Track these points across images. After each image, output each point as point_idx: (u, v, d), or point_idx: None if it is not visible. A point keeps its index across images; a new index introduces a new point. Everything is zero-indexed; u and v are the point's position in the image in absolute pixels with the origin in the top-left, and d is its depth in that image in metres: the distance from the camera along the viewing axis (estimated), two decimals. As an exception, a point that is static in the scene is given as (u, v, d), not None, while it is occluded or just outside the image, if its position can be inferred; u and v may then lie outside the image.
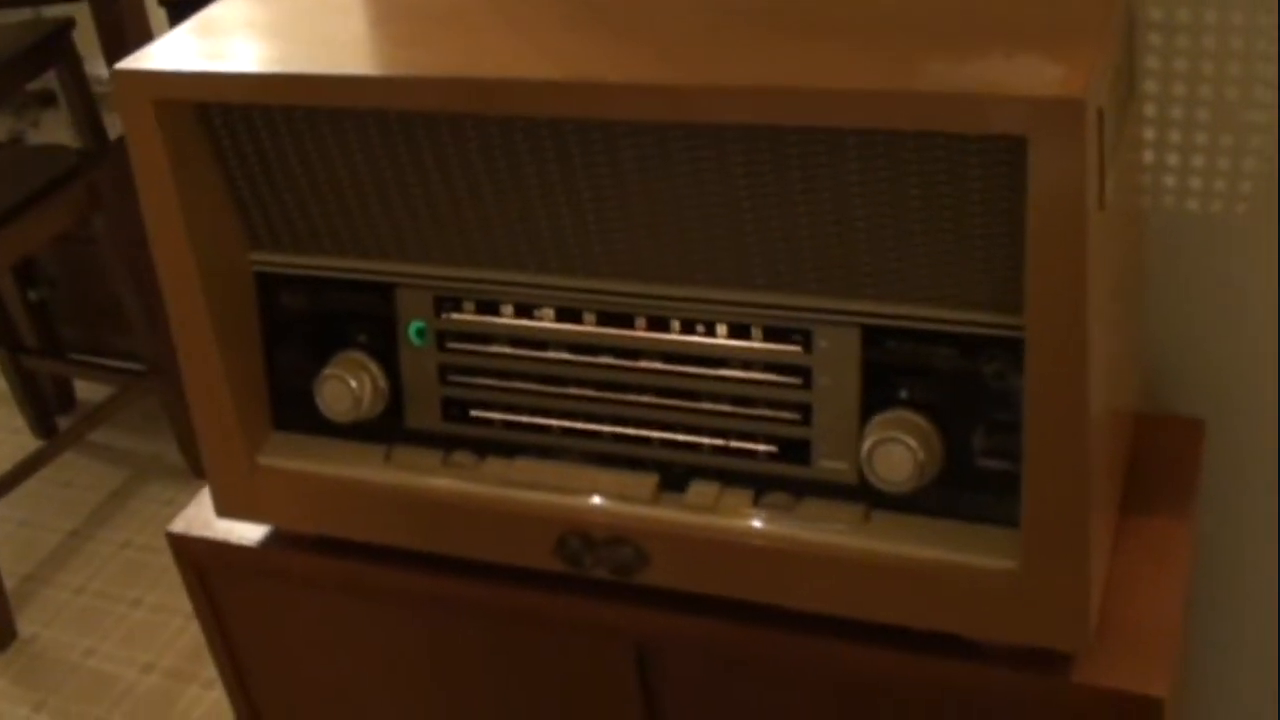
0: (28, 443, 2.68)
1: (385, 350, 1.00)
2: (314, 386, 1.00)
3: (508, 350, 0.97)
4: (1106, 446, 0.91)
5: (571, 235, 0.92)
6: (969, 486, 0.88)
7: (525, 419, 0.98)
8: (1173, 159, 1.12)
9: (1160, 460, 1.09)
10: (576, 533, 0.96)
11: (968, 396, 0.87)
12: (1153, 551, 1.01)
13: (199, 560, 1.12)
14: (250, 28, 0.98)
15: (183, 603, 2.28)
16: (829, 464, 0.91)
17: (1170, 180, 1.12)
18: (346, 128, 0.93)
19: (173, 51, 0.95)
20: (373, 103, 0.89)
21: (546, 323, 0.95)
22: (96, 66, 3.02)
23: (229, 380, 1.02)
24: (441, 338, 0.99)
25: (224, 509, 1.07)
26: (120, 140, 2.65)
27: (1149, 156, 1.12)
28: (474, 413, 0.99)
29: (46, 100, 3.72)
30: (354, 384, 0.99)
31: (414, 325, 0.99)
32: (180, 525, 1.13)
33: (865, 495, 0.91)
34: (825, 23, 0.87)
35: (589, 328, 0.94)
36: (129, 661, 2.19)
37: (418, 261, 0.98)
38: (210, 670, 2.14)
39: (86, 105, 2.80)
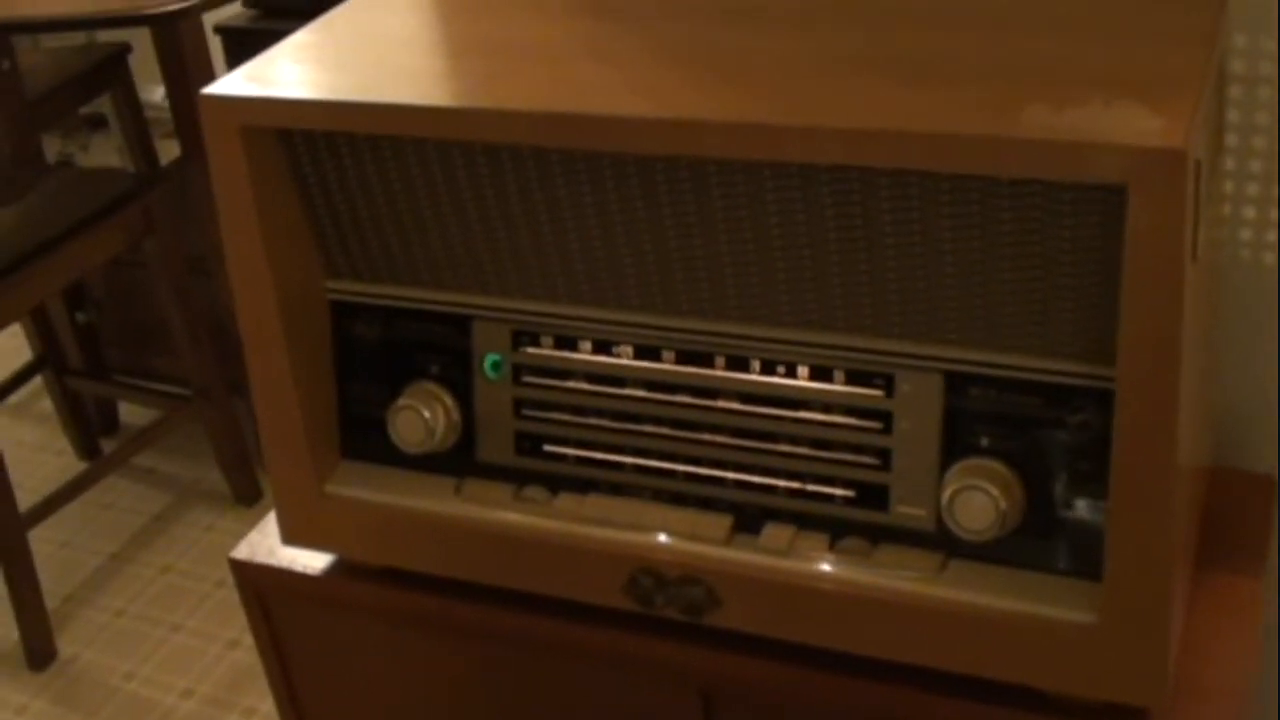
0: (71, 464, 2.69)
1: (459, 382, 1.00)
2: (387, 416, 1.00)
3: (584, 386, 0.97)
4: (1187, 501, 0.90)
5: (654, 272, 0.91)
6: (1048, 537, 0.88)
7: (599, 455, 0.98)
8: (1249, 212, 1.11)
9: (1232, 516, 1.08)
10: (648, 571, 0.95)
11: (1050, 446, 0.86)
12: (1225, 609, 1.00)
13: (260, 587, 1.12)
14: (332, 57, 0.98)
15: (223, 630, 2.28)
16: (907, 510, 0.91)
17: (1247, 234, 1.12)
18: (430, 158, 0.93)
19: (256, 78, 0.95)
20: (458, 134, 0.89)
21: (624, 359, 0.95)
22: (148, 91, 3.04)
23: (301, 408, 1.02)
24: (517, 371, 0.98)
25: (290, 537, 1.07)
26: (171, 165, 2.67)
27: (1226, 209, 1.11)
28: (547, 448, 0.99)
29: (96, 124, 3.75)
30: (428, 415, 0.99)
31: (490, 358, 0.99)
32: (243, 551, 1.12)
33: (942, 543, 0.90)
34: (920, 68, 0.87)
35: (667, 365, 0.94)
36: (168, 687, 2.19)
37: (496, 294, 0.97)
38: (249, 699, 2.14)
39: (139, 130, 2.83)
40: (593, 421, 0.97)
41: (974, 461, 0.87)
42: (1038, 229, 0.81)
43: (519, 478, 1.00)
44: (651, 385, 0.95)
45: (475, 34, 1.00)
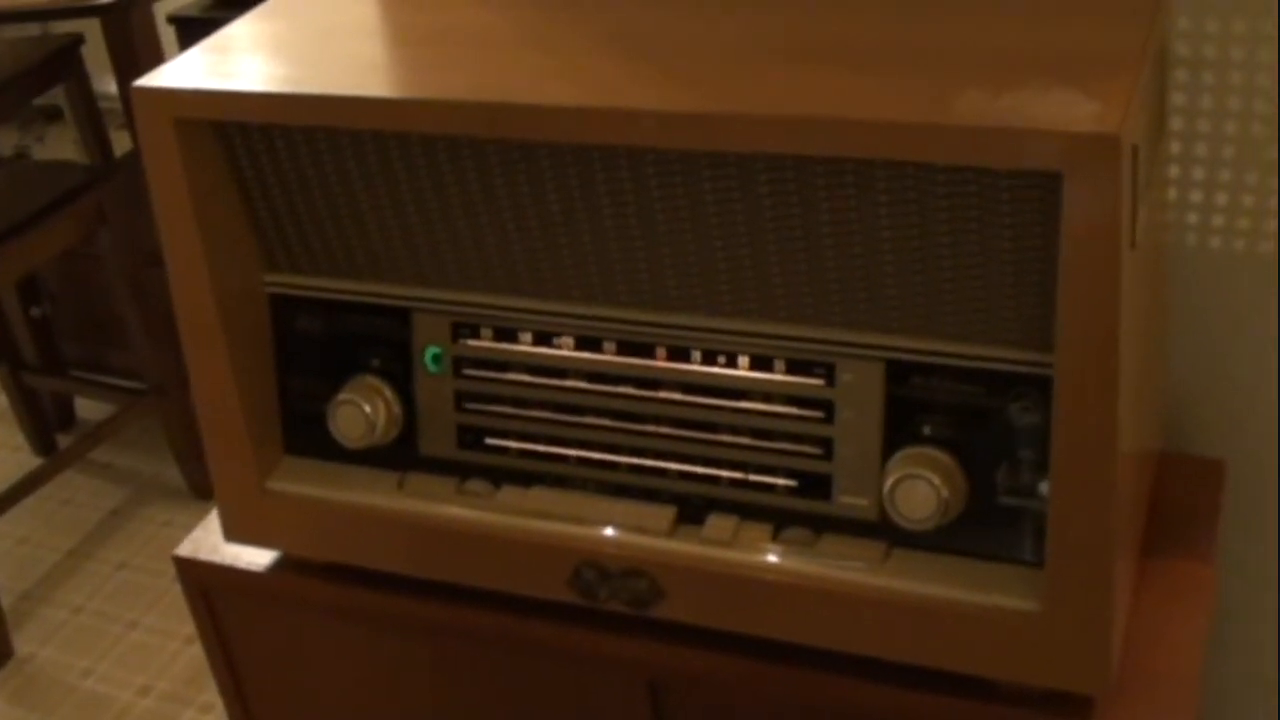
0: (27, 460, 2.67)
1: (400, 376, 0.99)
2: (327, 411, 0.99)
3: (525, 378, 0.96)
4: (1131, 487, 0.90)
5: (593, 263, 0.91)
6: (991, 525, 0.87)
7: (542, 448, 0.97)
8: (1196, 196, 1.11)
9: (1181, 501, 1.08)
10: (592, 564, 0.94)
11: (992, 434, 0.86)
12: (1174, 594, 0.99)
13: (205, 584, 1.11)
14: (270, 47, 0.97)
15: (180, 626, 2.26)
16: (850, 500, 0.90)
17: (1193, 217, 1.12)
18: (367, 150, 0.92)
19: (192, 69, 0.94)
20: (396, 125, 0.88)
21: (565, 351, 0.94)
22: (102, 83, 3.02)
23: (241, 403, 1.00)
24: (458, 364, 0.97)
25: (232, 533, 1.06)
26: (126, 157, 2.64)
27: (1172, 193, 1.11)
28: (490, 441, 0.98)
29: (52, 116, 3.71)
30: (368, 409, 0.98)
31: (430, 351, 0.98)
32: (187, 548, 1.11)
33: (885, 532, 0.89)
34: (855, 55, 0.86)
35: (609, 357, 0.93)
36: (125, 683, 2.17)
37: (436, 286, 0.96)
38: (207, 694, 2.13)
39: (93, 122, 2.80)
40: (535, 414, 0.96)
41: (916, 450, 0.87)
42: (975, 217, 0.80)
43: (461, 471, 0.99)
44: (593, 377, 0.94)
45: (416, 22, 0.99)
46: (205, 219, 0.96)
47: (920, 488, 0.85)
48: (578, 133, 0.84)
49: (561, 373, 0.95)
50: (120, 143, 2.87)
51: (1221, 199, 1.10)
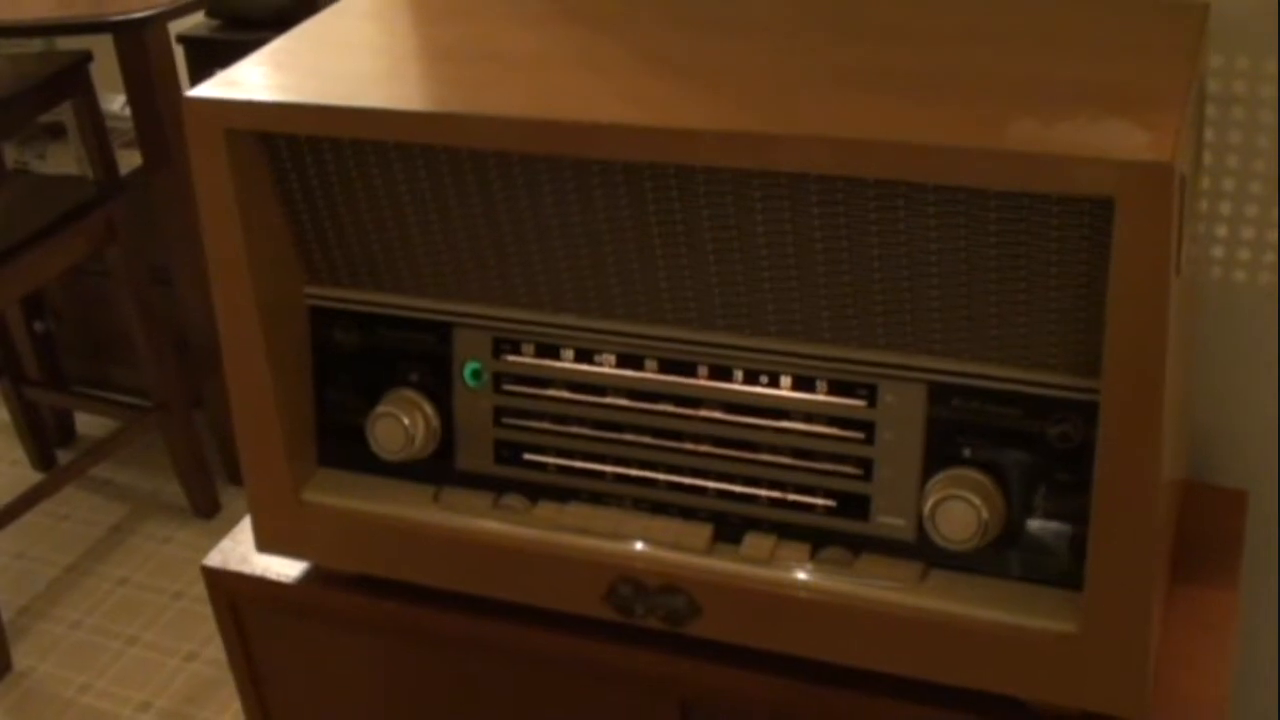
0: (26, 474, 2.66)
1: (439, 390, 1.00)
2: (366, 423, 1.00)
3: (565, 395, 0.97)
4: (1166, 513, 0.91)
5: (639, 281, 0.92)
6: (1029, 548, 0.88)
7: (580, 464, 0.97)
8: (1221, 230, 1.12)
9: (1204, 530, 1.09)
10: (628, 580, 0.95)
11: (1032, 457, 0.87)
12: (1201, 621, 1.00)
13: (233, 595, 1.11)
14: (316, 62, 0.98)
15: (180, 642, 2.26)
16: (888, 520, 0.91)
17: (1218, 251, 1.13)
18: (417, 164, 0.93)
19: (242, 81, 0.95)
20: (450, 141, 0.89)
21: (607, 368, 0.95)
22: (106, 100, 3.02)
23: (278, 414, 1.01)
24: (498, 379, 0.98)
25: (265, 544, 1.06)
26: (134, 173, 2.65)
27: (1201, 228, 1.12)
28: (527, 456, 0.99)
29: (54, 132, 3.72)
30: (407, 422, 0.98)
31: (470, 366, 0.99)
32: (216, 559, 1.11)
33: (923, 553, 0.90)
34: (909, 80, 0.87)
35: (650, 374, 0.94)
36: (124, 700, 2.17)
37: (478, 302, 0.97)
38: (207, 712, 2.12)
39: (100, 139, 2.80)
40: (573, 430, 0.97)
41: (956, 472, 0.88)
42: (1023, 241, 0.82)
43: (498, 486, 1.00)
44: (633, 394, 0.95)
45: (455, 41, 1.00)
46: (251, 229, 0.96)
47: (962, 509, 0.86)
48: (632, 151, 0.85)
49: (602, 390, 0.96)
50: (123, 161, 2.88)
51: (1248, 233, 1.12)
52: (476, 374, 0.99)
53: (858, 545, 0.92)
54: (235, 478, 2.57)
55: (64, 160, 3.54)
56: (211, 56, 2.76)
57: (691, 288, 0.91)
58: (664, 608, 0.95)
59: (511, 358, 0.98)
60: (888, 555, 0.91)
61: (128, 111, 2.57)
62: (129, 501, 2.62)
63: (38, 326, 2.66)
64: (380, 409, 0.99)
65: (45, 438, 2.73)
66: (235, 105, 0.93)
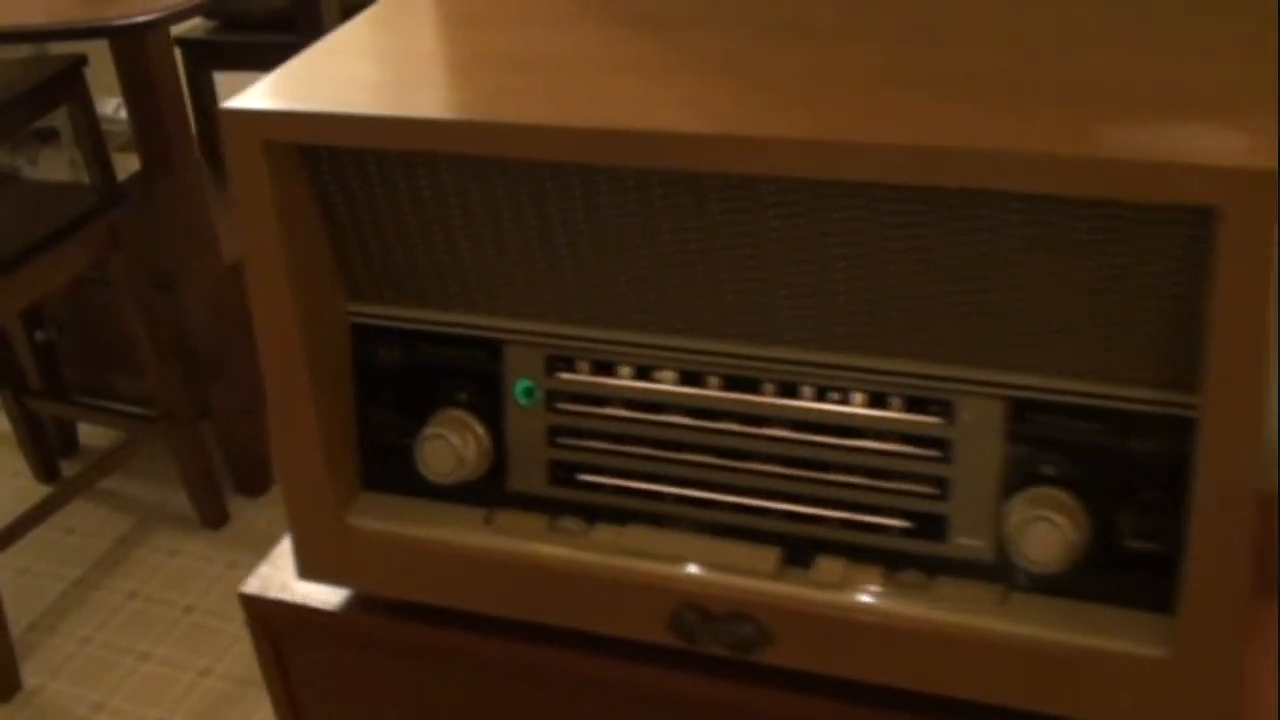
0: (28, 486, 2.62)
1: (489, 409, 0.96)
2: (414, 445, 0.96)
3: (623, 413, 0.93)
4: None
5: (702, 295, 0.88)
6: (1114, 569, 0.85)
7: (639, 485, 0.94)
8: None
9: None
10: (693, 606, 0.91)
11: (1118, 475, 0.83)
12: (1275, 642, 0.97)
13: (274, 624, 1.07)
14: (356, 71, 0.94)
15: (194, 658, 2.22)
16: (966, 541, 0.87)
17: None
18: (467, 176, 0.89)
19: (281, 91, 0.91)
20: (503, 151, 0.85)
21: (666, 385, 0.91)
22: (99, 104, 2.98)
23: (320, 435, 0.97)
24: (551, 398, 0.94)
25: (309, 571, 1.02)
26: (133, 179, 2.60)
27: None
28: (583, 477, 0.95)
29: (45, 137, 3.67)
30: (458, 443, 0.95)
31: (522, 384, 0.95)
32: (254, 586, 1.08)
33: (1003, 575, 0.87)
34: (984, 82, 0.84)
35: (712, 391, 0.90)
36: (139, 717, 2.12)
37: (529, 317, 0.94)
38: (223, 728, 2.09)
39: (96, 144, 2.76)
40: (632, 449, 0.93)
41: (1039, 491, 0.84)
42: (1114, 252, 0.78)
43: (553, 508, 0.96)
44: (695, 412, 0.91)
45: (498, 48, 0.96)
46: (292, 244, 0.93)
47: (1047, 530, 0.83)
48: (701, 161, 0.81)
49: (661, 407, 0.92)
50: (120, 165, 2.83)
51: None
52: (529, 392, 0.95)
53: (934, 568, 0.88)
54: (243, 487, 2.53)
55: (56, 165, 3.49)
56: (210, 58, 2.72)
57: (757, 301, 0.87)
58: (731, 635, 0.91)
59: (566, 375, 0.94)
60: (966, 578, 0.88)
61: (122, 114, 2.53)
62: (135, 513, 2.57)
63: (38, 336, 2.61)
64: (429, 430, 0.95)
65: (47, 449, 2.69)
66: (275, 116, 0.89)
